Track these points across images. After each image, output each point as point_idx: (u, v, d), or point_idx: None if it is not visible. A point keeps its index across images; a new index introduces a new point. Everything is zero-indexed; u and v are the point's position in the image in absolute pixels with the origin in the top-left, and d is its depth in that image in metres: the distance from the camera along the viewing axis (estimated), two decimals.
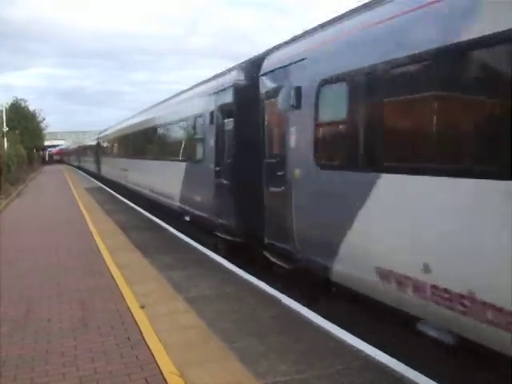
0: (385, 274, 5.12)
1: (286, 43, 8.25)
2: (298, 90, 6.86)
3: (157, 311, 6.34)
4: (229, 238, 9.59)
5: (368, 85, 5.55)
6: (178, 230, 12.68)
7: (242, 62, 10.02)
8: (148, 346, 5.22)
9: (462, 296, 4.15)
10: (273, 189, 7.72)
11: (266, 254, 8.07)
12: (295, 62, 7.15)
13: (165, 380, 4.47)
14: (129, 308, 6.50)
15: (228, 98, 9.56)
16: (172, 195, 13.45)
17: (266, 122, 8.11)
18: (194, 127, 11.82)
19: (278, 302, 6.69)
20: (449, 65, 4.38)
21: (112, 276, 8.15)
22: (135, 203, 19.37)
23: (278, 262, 7.67)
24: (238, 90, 9.26)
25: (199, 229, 11.46)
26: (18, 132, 44.58)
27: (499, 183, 3.80)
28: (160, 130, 16.25)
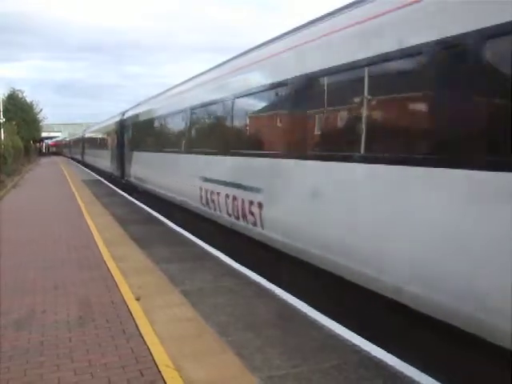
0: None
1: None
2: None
3: (152, 304, 6.33)
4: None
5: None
6: (175, 223, 12.69)
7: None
8: (143, 339, 5.20)
9: None
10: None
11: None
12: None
13: (160, 372, 4.46)
14: (124, 300, 6.49)
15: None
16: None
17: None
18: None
19: (273, 295, 6.69)
20: None
21: (108, 268, 8.12)
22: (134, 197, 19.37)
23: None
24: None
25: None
26: (14, 123, 44.35)
27: None
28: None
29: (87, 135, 45.08)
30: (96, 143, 36.92)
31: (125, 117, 22.34)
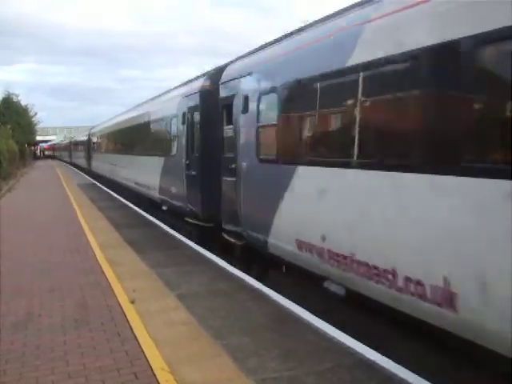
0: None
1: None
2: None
3: (147, 307, 6.34)
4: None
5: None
6: (170, 227, 12.69)
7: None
8: (138, 342, 5.22)
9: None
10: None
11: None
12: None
13: (154, 375, 4.47)
14: (119, 304, 6.50)
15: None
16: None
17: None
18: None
19: (268, 298, 6.71)
20: None
21: (103, 272, 8.13)
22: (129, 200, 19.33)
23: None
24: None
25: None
26: (9, 127, 44.15)
27: None
28: None
29: (97, 135, 31.34)
30: (118, 145, 22.86)
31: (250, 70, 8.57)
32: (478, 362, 4.26)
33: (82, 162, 40.72)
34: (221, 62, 10.58)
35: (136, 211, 16.54)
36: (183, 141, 11.58)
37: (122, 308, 6.33)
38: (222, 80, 9.64)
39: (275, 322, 5.86)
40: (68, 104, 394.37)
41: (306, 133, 6.80)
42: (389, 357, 4.77)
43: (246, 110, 8.29)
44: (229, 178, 8.93)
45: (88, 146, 36.05)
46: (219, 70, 10.25)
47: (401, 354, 4.84)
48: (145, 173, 15.72)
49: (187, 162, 11.21)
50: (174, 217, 12.80)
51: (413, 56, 4.62)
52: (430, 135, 4.49)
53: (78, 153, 46.61)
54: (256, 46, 9.07)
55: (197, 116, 10.86)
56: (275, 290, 6.93)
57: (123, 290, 7.07)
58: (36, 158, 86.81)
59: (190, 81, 12.61)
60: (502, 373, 3.83)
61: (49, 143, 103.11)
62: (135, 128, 18.35)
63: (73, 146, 54.73)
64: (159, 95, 16.37)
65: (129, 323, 5.78)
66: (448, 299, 4.11)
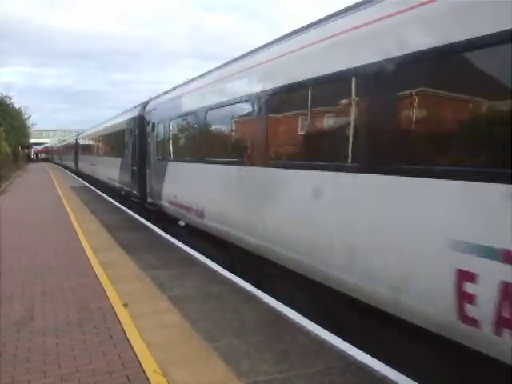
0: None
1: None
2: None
3: (140, 310, 6.35)
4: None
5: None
6: (162, 229, 12.71)
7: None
8: (131, 345, 5.23)
9: None
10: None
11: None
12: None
13: (147, 378, 4.48)
14: (112, 307, 6.50)
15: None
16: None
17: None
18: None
19: (260, 301, 6.74)
20: None
21: (96, 275, 8.12)
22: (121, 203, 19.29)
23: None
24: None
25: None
26: (2, 129, 43.96)
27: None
28: None
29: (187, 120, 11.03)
30: None
31: None
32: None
33: (106, 173, 23.23)
34: (209, 65, 10.63)
35: (128, 214, 16.51)
36: None
37: (114, 311, 6.34)
38: None
39: (267, 324, 5.89)
40: (60, 106, 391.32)
41: None
42: (380, 359, 4.80)
43: None
44: None
45: (136, 147, 16.33)
46: None
47: (393, 356, 4.88)
48: None
49: None
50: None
51: None
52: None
53: (94, 157, 28.28)
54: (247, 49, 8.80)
55: None
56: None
57: (116, 294, 7.07)
58: (30, 160, 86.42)
59: None
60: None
61: (43, 146, 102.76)
62: None
63: (79, 147, 37.87)
64: None
65: (122, 326, 5.79)
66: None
